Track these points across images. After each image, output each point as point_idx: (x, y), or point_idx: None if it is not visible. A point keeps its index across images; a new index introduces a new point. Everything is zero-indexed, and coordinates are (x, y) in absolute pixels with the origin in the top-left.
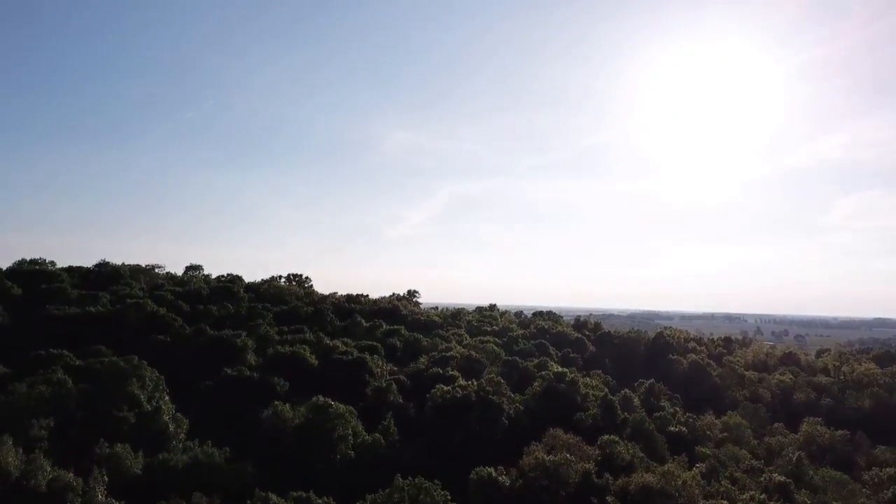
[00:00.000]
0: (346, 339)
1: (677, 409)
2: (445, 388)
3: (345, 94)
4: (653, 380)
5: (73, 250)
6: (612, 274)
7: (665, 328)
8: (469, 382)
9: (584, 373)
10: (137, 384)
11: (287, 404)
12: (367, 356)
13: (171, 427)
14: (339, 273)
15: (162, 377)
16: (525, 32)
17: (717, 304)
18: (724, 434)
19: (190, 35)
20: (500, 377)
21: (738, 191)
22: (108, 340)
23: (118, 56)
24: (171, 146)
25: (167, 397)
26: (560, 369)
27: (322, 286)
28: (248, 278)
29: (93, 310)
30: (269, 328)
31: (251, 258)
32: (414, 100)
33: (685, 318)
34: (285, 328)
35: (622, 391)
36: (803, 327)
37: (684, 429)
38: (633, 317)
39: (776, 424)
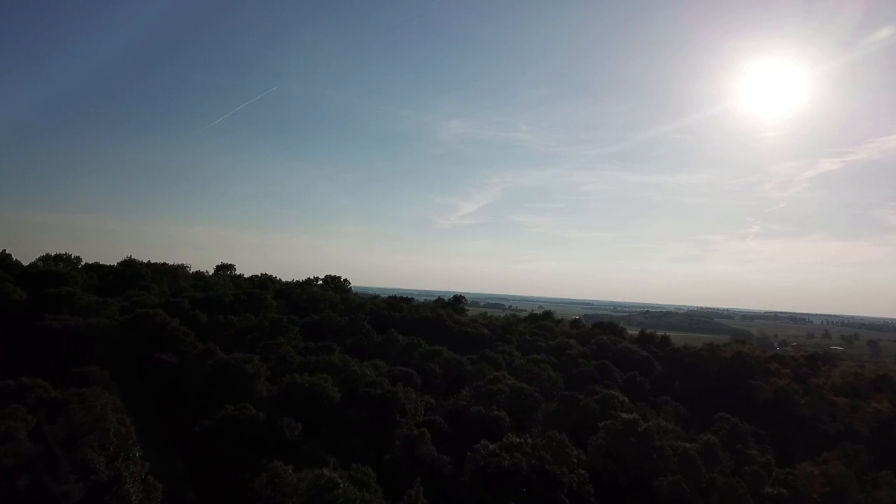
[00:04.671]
0: (377, 362)
1: (769, 457)
2: (491, 446)
3: (401, 85)
4: (737, 419)
5: (134, 235)
6: (670, 270)
7: (738, 343)
8: (522, 440)
9: (653, 400)
10: (96, 442)
11: (290, 466)
12: (400, 388)
13: (136, 499)
14: (391, 260)
15: (132, 429)
16: (581, 20)
17: (780, 304)
18: (827, 489)
19: (251, 26)
20: (562, 434)
21: (805, 186)
22: (109, 358)
23: (184, 48)
24: (231, 134)
25: (137, 454)
26: (630, 416)
27: (373, 274)
28: (303, 263)
29: (94, 321)
30: (290, 347)
31: (308, 245)
32: (468, 89)
33: (746, 316)
34: (312, 344)
35: (703, 437)
36: (874, 331)
37: (784, 490)
38: (691, 314)
39: (882, 472)
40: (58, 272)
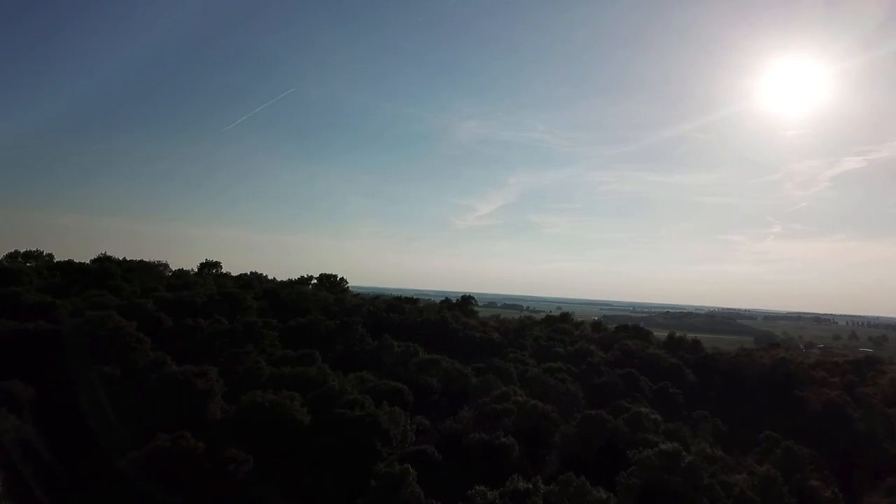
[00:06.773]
0: (364, 374)
1: (835, 490)
2: (490, 494)
3: (419, 87)
4: (791, 441)
5: (154, 237)
6: (690, 270)
7: (774, 347)
8: (531, 484)
9: (688, 415)
10: None
11: None
12: (385, 409)
13: None
14: (408, 261)
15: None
16: (597, 19)
17: (802, 304)
18: None
19: (270, 30)
20: (580, 476)
21: (827, 184)
22: (43, 370)
23: (202, 52)
24: (250, 138)
25: None
26: (669, 446)
27: (389, 275)
28: (324, 265)
29: (30, 326)
30: (262, 357)
31: (328, 247)
32: (486, 90)
33: (769, 317)
34: (291, 352)
35: (755, 465)
36: None
37: None
38: (712, 315)
39: None
40: (9, 269)
